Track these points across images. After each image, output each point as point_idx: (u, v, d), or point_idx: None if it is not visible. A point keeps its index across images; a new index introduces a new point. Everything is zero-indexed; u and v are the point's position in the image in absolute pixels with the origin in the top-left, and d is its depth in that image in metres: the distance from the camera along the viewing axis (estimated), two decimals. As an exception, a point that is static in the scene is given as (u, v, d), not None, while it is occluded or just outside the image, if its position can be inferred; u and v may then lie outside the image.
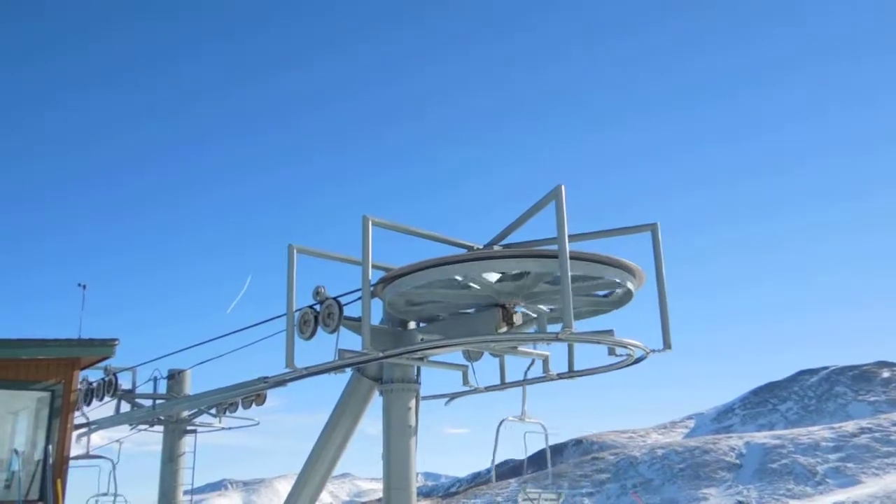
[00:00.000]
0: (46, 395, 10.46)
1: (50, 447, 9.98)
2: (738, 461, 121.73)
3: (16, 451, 9.76)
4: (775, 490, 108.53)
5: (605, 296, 9.92)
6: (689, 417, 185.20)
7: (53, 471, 9.79)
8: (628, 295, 9.57)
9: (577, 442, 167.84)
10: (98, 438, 17.73)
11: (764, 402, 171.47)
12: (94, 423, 16.60)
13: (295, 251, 9.77)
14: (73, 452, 10.89)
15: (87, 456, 10.32)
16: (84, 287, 14.23)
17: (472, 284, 8.86)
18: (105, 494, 11.34)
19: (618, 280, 8.87)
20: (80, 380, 11.82)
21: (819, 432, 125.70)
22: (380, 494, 11.06)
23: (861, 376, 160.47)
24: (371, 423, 12.44)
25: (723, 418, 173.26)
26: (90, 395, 16.07)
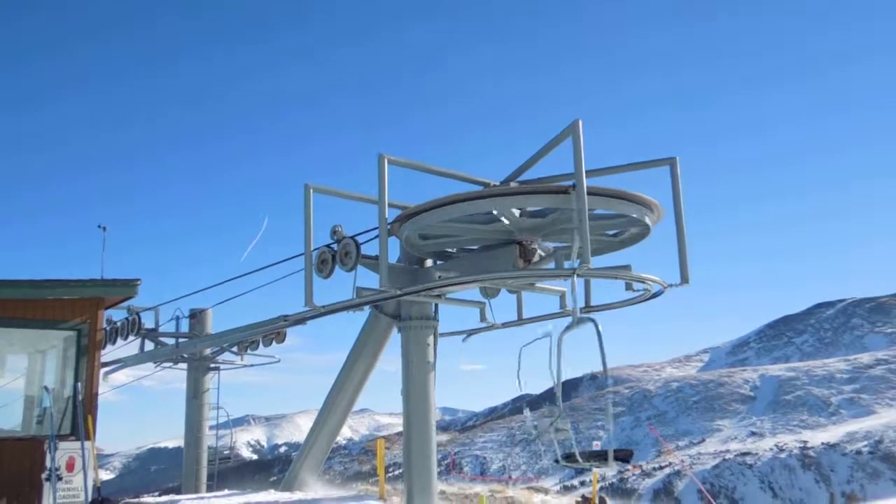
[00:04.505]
0: (73, 334, 10.67)
1: (79, 384, 10.24)
2: (752, 393, 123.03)
3: (46, 389, 10.03)
4: (788, 421, 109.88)
5: (614, 235, 9.88)
6: (704, 351, 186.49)
7: (84, 407, 10.07)
8: (644, 232, 9.52)
9: (593, 377, 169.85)
10: (123, 376, 18.21)
11: (779, 335, 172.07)
12: (120, 360, 17.02)
13: (311, 190, 9.76)
14: (100, 390, 11.17)
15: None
16: (104, 229, 14.40)
17: (503, 219, 8.82)
18: None
19: (636, 216, 8.81)
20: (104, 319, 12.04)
21: (834, 364, 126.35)
22: (398, 429, 11.33)
23: (878, 308, 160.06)
24: (388, 361, 12.65)
25: (738, 352, 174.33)
26: (114, 334, 16.44)
